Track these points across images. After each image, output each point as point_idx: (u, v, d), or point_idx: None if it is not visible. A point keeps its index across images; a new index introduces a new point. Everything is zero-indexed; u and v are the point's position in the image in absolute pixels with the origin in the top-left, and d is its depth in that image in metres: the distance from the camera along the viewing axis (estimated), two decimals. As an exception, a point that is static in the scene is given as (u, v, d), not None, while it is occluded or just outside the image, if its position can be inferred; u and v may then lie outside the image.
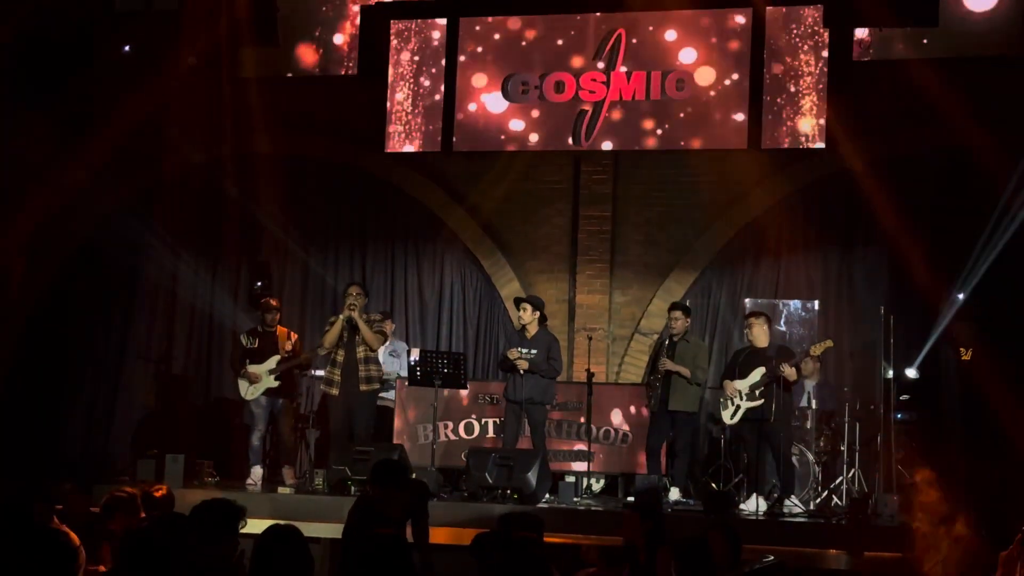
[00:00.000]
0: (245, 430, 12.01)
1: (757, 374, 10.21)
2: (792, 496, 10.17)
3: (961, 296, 11.64)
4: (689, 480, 11.44)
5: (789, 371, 10.07)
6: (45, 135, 13.20)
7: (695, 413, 10.92)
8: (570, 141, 12.53)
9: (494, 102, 12.76)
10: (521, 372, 10.67)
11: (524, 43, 12.73)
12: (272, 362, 11.39)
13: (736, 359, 10.60)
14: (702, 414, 12.29)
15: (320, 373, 11.90)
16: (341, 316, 11.01)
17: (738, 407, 10.31)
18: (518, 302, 11.14)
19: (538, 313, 10.96)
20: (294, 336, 11.75)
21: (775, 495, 10.15)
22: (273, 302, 11.83)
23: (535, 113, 12.65)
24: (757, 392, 10.19)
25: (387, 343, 11.88)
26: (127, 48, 13.25)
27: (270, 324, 11.61)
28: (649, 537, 6.22)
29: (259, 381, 11.38)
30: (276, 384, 11.40)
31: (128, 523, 6.24)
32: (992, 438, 11.34)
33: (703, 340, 12.44)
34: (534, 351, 10.77)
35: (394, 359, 11.93)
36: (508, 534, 5.44)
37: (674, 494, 10.58)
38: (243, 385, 11.49)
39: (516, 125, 12.70)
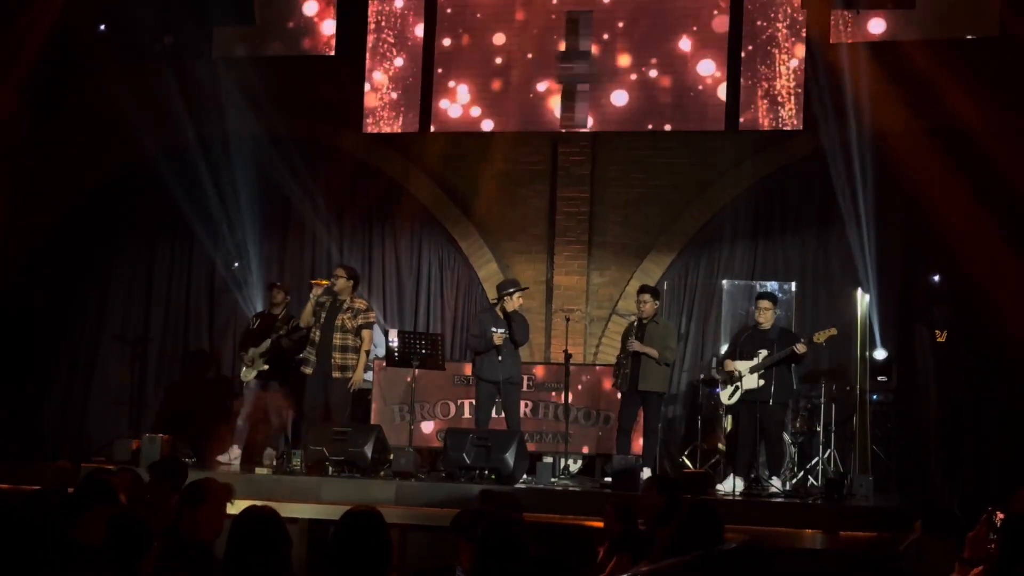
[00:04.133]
0: (222, 410, 12.01)
1: (760, 354, 10.22)
2: (774, 477, 10.21)
3: (937, 278, 11.71)
4: (666, 461, 11.49)
5: (802, 348, 10.08)
6: (17, 113, 13.12)
7: (663, 393, 10.92)
8: (547, 122, 12.54)
9: (472, 82, 12.74)
10: (500, 357, 10.66)
11: (502, 23, 12.71)
12: (264, 345, 11.38)
13: (738, 339, 10.61)
14: (679, 395, 12.36)
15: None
16: (312, 295, 10.97)
17: (737, 387, 10.32)
18: (508, 289, 10.97)
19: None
20: (293, 320, 11.61)
21: (752, 475, 10.17)
22: (277, 285, 11.83)
23: (512, 94, 12.63)
24: (758, 374, 10.20)
25: None
26: (103, 27, 13.15)
27: (273, 308, 11.60)
28: (665, 511, 6.26)
29: (253, 364, 11.37)
30: (265, 367, 11.37)
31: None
32: (967, 420, 11.45)
33: (680, 321, 12.49)
34: (507, 331, 10.77)
35: None
36: (489, 510, 5.46)
37: (646, 474, 10.58)
38: (242, 367, 11.51)
39: (494, 106, 12.68)
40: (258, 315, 11.84)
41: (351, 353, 10.88)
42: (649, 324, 10.74)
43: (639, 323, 10.79)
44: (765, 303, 10.48)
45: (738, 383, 10.28)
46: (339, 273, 11.07)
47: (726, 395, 10.47)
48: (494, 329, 10.69)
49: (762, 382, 10.17)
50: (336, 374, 10.81)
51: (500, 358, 10.67)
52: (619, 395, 10.90)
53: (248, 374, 11.45)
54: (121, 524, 4.51)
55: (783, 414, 10.46)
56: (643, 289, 11.01)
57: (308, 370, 10.90)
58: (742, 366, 10.26)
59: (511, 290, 10.88)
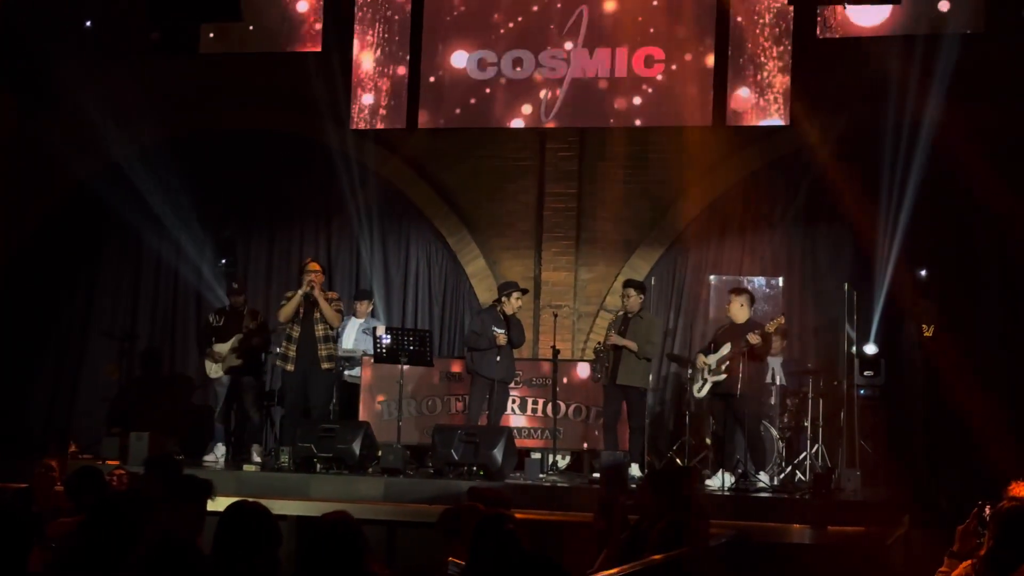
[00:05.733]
0: (209, 407, 11.98)
1: (726, 348, 10.25)
2: (760, 472, 10.22)
3: (923, 272, 11.73)
4: (654, 456, 11.50)
5: (755, 339, 10.07)
6: (7, 109, 13.08)
7: (646, 389, 10.92)
8: (535, 117, 12.52)
9: (458, 79, 12.71)
10: (498, 357, 10.68)
11: (487, 20, 12.68)
12: (234, 341, 11.34)
13: (715, 334, 10.65)
14: (668, 390, 12.38)
15: (279, 350, 11.84)
16: (299, 292, 10.88)
17: (705, 381, 10.35)
18: (509, 289, 11.06)
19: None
20: (259, 315, 11.68)
21: (739, 470, 10.19)
22: (235, 284, 11.80)
23: (498, 90, 12.61)
24: (723, 367, 10.23)
25: (363, 321, 11.89)
26: (88, 23, 13.10)
27: (235, 304, 11.58)
28: (660, 507, 6.27)
29: (222, 360, 11.33)
30: (238, 363, 11.34)
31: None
32: (952, 414, 11.48)
33: (668, 317, 12.51)
34: (507, 332, 10.80)
35: (368, 337, 11.81)
36: (481, 508, 5.46)
37: (634, 469, 10.58)
38: (208, 364, 11.46)
39: (480, 102, 12.66)
40: (220, 312, 11.77)
41: (332, 343, 10.98)
42: (633, 319, 10.75)
43: (624, 317, 10.80)
44: (739, 298, 10.50)
45: (706, 376, 10.33)
46: (316, 267, 11.10)
47: (696, 389, 10.51)
48: (496, 330, 10.73)
49: (726, 375, 10.20)
50: (325, 365, 10.86)
51: (498, 358, 10.71)
52: (603, 390, 10.91)
53: (217, 370, 11.41)
54: (102, 520, 4.49)
55: (756, 407, 10.43)
56: (628, 283, 11.02)
57: (289, 366, 10.88)
58: (710, 360, 10.31)
59: (510, 290, 10.99)
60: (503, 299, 10.97)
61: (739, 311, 10.42)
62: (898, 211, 11.68)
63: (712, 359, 10.32)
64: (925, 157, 11.57)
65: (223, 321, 11.54)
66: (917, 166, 11.60)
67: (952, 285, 11.63)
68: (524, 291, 11.21)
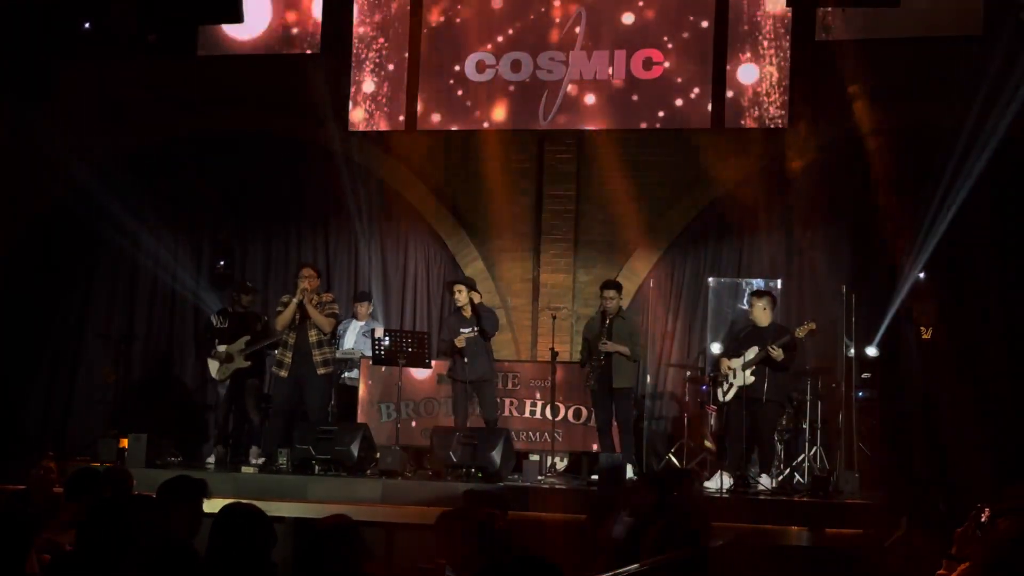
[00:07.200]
0: (207, 409, 11.96)
1: (751, 352, 10.23)
2: (763, 475, 10.20)
3: (922, 275, 11.72)
4: (653, 458, 11.50)
5: (776, 352, 10.07)
6: (1, 111, 13.06)
7: (633, 388, 10.93)
8: (533, 120, 12.51)
9: (456, 81, 12.71)
10: (465, 359, 10.68)
11: (486, 22, 12.67)
12: (242, 342, 11.33)
13: (736, 337, 10.63)
14: (665, 392, 12.36)
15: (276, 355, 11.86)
16: (294, 299, 10.86)
17: (731, 384, 10.33)
18: (450, 285, 11.22)
19: (470, 292, 11.01)
20: (263, 318, 11.68)
21: (738, 472, 10.17)
22: (250, 283, 11.82)
23: (496, 92, 12.60)
24: (749, 372, 10.21)
25: (363, 323, 11.88)
26: (87, 24, 13.08)
27: (246, 305, 11.56)
28: (655, 507, 6.27)
29: (231, 361, 11.32)
30: (246, 365, 11.34)
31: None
32: (951, 416, 11.48)
33: (666, 319, 12.50)
34: (475, 329, 10.81)
35: (367, 339, 11.80)
36: (473, 510, 5.46)
37: (628, 470, 10.56)
38: (213, 365, 11.44)
39: (478, 104, 12.65)
40: (223, 314, 11.75)
41: (326, 347, 10.95)
42: (615, 320, 10.71)
43: (602, 320, 10.76)
44: (760, 302, 10.49)
45: (732, 381, 10.29)
46: (311, 273, 11.03)
47: (721, 392, 10.48)
48: (461, 330, 10.74)
49: (753, 379, 10.18)
50: (320, 370, 10.84)
51: (466, 360, 10.69)
52: (591, 395, 10.89)
53: (224, 371, 11.40)
54: (100, 521, 4.48)
55: (777, 414, 10.45)
56: (607, 284, 10.96)
57: (283, 373, 10.87)
58: (735, 363, 10.27)
59: (452, 287, 11.12)
60: (455, 296, 11.03)
61: (762, 314, 10.42)
62: (896, 211, 11.66)
63: (737, 363, 10.28)
64: (921, 158, 11.57)
65: (227, 322, 11.53)
66: (913, 167, 11.60)
67: (952, 287, 11.62)
68: (467, 282, 11.22)
